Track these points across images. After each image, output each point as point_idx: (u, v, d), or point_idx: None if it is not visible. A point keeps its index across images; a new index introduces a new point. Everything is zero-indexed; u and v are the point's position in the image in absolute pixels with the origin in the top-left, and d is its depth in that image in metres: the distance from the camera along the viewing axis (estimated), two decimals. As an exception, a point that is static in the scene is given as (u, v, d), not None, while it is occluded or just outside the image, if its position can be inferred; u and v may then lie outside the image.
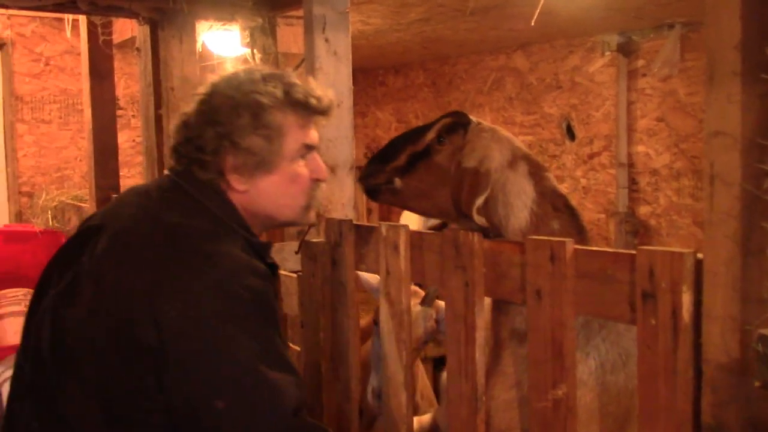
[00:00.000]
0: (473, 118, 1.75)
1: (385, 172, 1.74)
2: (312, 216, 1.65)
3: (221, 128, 1.50)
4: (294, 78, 1.58)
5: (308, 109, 1.56)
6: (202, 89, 1.57)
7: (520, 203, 1.63)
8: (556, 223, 1.64)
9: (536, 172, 1.66)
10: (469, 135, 1.72)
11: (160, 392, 1.34)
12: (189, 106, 1.57)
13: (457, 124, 1.73)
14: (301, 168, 1.57)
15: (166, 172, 1.61)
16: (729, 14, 1.09)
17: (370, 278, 1.95)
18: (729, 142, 1.07)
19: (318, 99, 1.57)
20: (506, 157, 1.67)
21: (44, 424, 1.46)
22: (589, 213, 5.00)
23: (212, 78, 1.59)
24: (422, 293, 2.02)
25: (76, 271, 1.46)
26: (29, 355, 1.51)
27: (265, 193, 1.55)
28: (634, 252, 1.24)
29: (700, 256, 1.16)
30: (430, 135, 1.73)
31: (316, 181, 1.60)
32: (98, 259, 1.44)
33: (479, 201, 1.60)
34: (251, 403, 1.36)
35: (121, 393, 1.38)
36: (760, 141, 1.02)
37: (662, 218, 4.59)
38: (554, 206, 1.66)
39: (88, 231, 1.53)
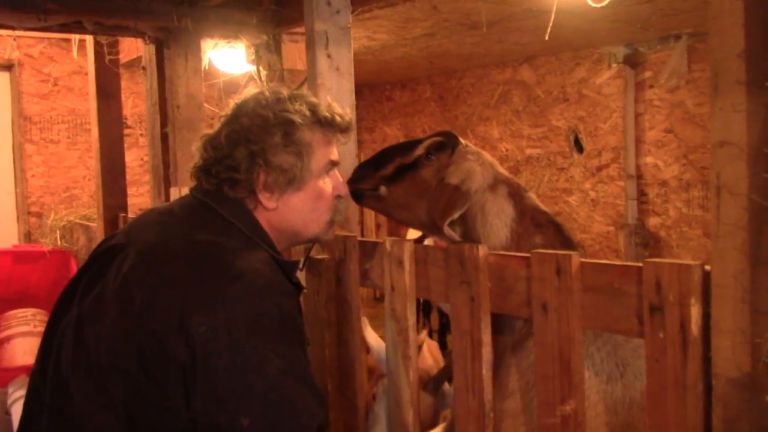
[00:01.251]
0: (462, 140, 1.81)
1: (374, 178, 1.79)
2: (333, 232, 1.68)
3: (254, 146, 1.52)
4: (314, 98, 1.62)
5: (333, 127, 1.60)
6: (228, 111, 1.59)
7: (499, 222, 1.69)
8: (538, 238, 1.67)
9: (516, 193, 1.72)
10: (455, 155, 1.77)
11: (188, 410, 1.34)
12: (213, 128, 1.59)
13: (446, 143, 1.79)
14: (327, 184, 1.61)
15: (186, 191, 1.62)
16: (732, 23, 1.07)
17: (372, 342, 1.95)
18: (735, 152, 1.06)
19: (341, 116, 1.61)
20: (488, 180, 1.73)
21: None
22: (599, 225, 4.98)
23: (236, 99, 1.60)
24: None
25: (101, 290, 1.46)
26: (49, 375, 1.50)
27: (294, 209, 1.57)
28: (640, 264, 1.22)
29: (708, 268, 1.14)
30: (420, 150, 1.78)
31: (338, 197, 1.64)
32: (125, 277, 1.44)
33: (454, 215, 1.65)
34: (275, 421, 1.36)
35: (148, 411, 1.37)
36: (767, 150, 1.01)
37: (672, 230, 4.56)
38: (536, 222, 1.69)
39: (111, 250, 1.53)
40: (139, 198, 5.91)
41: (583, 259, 1.32)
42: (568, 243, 1.66)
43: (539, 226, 1.69)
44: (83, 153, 5.99)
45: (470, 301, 1.50)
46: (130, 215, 4.12)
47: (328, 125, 1.59)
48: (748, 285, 1.06)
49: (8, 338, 4.52)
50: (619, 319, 1.26)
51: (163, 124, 3.09)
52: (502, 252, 1.52)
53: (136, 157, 6.08)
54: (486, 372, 1.50)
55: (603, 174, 4.97)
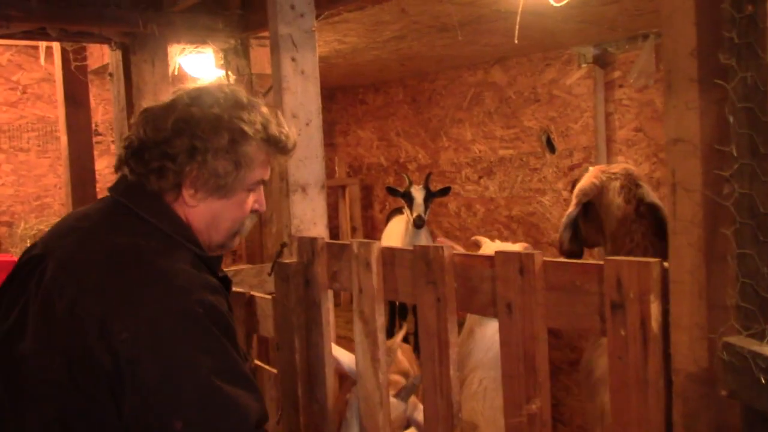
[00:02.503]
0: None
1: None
2: (236, 242, 1.65)
3: (198, 142, 1.46)
4: (268, 111, 1.58)
5: (278, 147, 1.57)
6: (179, 94, 1.52)
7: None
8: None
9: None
10: None
11: (120, 418, 1.31)
12: (155, 104, 1.52)
13: None
14: (249, 198, 1.57)
15: (108, 194, 1.58)
16: (684, 21, 1.08)
17: (343, 357, 1.95)
18: (689, 149, 1.07)
19: (288, 138, 1.58)
20: None
21: None
22: (572, 225, 5.01)
23: (192, 87, 1.55)
24: None
25: (23, 305, 1.42)
26: None
27: (209, 213, 1.54)
28: (601, 263, 1.23)
29: (666, 265, 1.15)
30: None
31: (254, 212, 1.61)
32: (45, 289, 1.40)
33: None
34: (210, 421, 1.33)
35: (83, 424, 1.35)
36: (718, 147, 1.02)
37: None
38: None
39: (30, 261, 1.48)
40: (112, 205, 5.85)
41: (546, 258, 1.33)
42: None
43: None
44: (54, 161, 5.93)
45: (437, 302, 1.51)
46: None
47: (274, 145, 1.56)
48: (704, 281, 1.07)
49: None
50: (582, 317, 1.27)
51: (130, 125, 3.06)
52: (466, 252, 1.52)
53: (108, 165, 6.02)
54: (453, 372, 1.51)
55: (575, 173, 5.00)
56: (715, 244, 1.06)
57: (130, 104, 3.07)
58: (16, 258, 4.96)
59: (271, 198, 2.06)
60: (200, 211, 1.52)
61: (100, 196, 4.64)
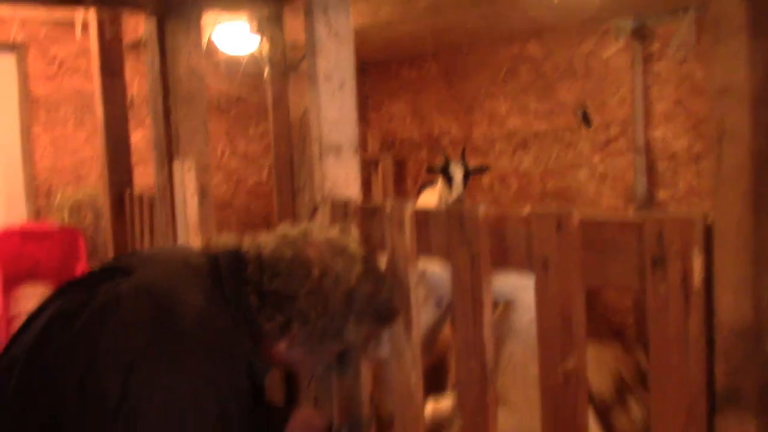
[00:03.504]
0: None
1: None
2: None
3: (314, 314, 1.52)
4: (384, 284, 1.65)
5: (383, 323, 1.68)
6: (314, 257, 1.55)
7: None
8: None
9: None
10: None
11: None
12: (290, 255, 1.55)
13: None
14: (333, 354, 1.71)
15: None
16: (733, -35, 1.04)
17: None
18: (737, 98, 1.03)
19: (390, 316, 1.68)
20: None
21: None
22: (608, 200, 4.94)
23: (322, 250, 1.57)
24: None
25: (87, 301, 1.47)
26: (4, 355, 1.52)
27: (292, 360, 1.63)
28: (642, 220, 1.20)
29: (710, 220, 1.12)
30: None
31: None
32: (111, 301, 1.44)
33: None
34: None
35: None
36: (768, 93, 0.98)
37: (682, 202, 4.52)
38: None
39: (118, 270, 1.54)
40: (147, 178, 5.89)
41: (583, 216, 1.30)
42: None
43: None
44: (90, 134, 5.98)
45: (471, 262, 1.49)
46: (136, 190, 4.13)
47: (378, 324, 1.67)
48: (751, 234, 1.04)
49: (19, 314, 4.56)
50: (621, 275, 1.24)
51: (165, 98, 3.07)
52: (503, 211, 1.50)
53: (143, 137, 6.06)
54: (487, 333, 1.49)
55: (611, 148, 4.93)
56: (762, 195, 1.03)
57: (164, 72, 3.07)
58: (54, 227, 5.04)
59: (305, 162, 2.05)
60: (286, 356, 1.60)
61: (135, 169, 4.69)
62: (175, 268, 1.54)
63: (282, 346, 1.56)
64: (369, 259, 1.61)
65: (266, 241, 1.59)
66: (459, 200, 4.72)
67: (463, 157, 4.90)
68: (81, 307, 1.46)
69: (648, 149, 4.69)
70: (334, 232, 1.62)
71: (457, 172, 4.77)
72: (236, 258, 1.57)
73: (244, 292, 1.52)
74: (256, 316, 1.52)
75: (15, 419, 1.43)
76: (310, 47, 1.99)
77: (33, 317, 1.57)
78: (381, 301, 1.60)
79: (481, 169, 4.99)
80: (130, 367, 1.34)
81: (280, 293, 1.51)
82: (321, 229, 1.63)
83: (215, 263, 1.57)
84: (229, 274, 1.54)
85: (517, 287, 2.00)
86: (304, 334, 1.53)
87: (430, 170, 5.01)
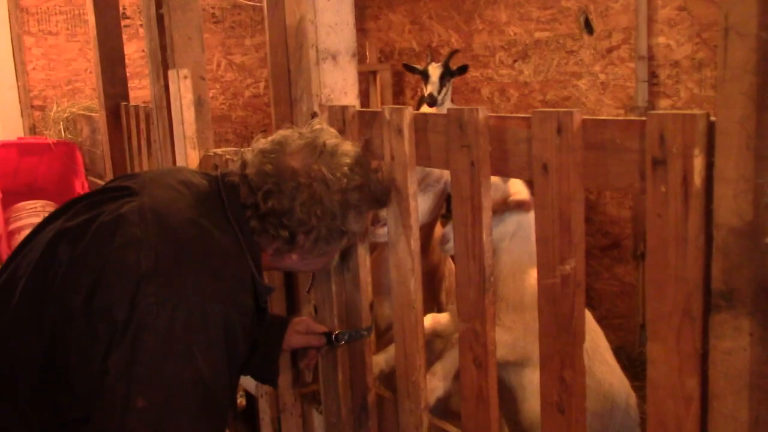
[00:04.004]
0: None
1: None
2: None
3: (315, 220, 1.55)
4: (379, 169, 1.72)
5: (379, 205, 1.72)
6: (316, 166, 1.56)
7: None
8: None
9: None
10: None
11: (102, 362, 1.35)
12: (286, 156, 1.57)
13: None
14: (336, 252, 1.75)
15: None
16: None
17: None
18: (744, -10, 1.00)
19: (384, 196, 1.71)
20: None
21: None
22: (608, 109, 4.89)
23: (313, 156, 1.58)
24: None
25: (93, 217, 1.48)
26: (7, 270, 1.53)
27: (299, 265, 1.71)
28: (644, 119, 1.18)
29: (713, 118, 1.10)
30: None
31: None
32: (118, 218, 1.46)
33: None
34: (166, 418, 1.37)
35: (70, 349, 1.39)
36: (778, -17, 0.95)
37: (683, 111, 4.48)
38: None
39: (123, 189, 1.55)
40: (142, 90, 5.83)
41: (585, 116, 1.28)
42: None
43: None
44: (83, 45, 5.88)
45: (470, 166, 1.48)
46: (132, 104, 4.07)
47: (375, 205, 1.71)
48: (754, 131, 1.02)
49: (19, 229, 4.58)
50: (621, 175, 1.23)
51: (158, 5, 2.99)
52: (503, 114, 1.48)
53: (137, 49, 5.97)
54: (486, 237, 1.50)
55: (613, 56, 4.85)
56: (767, 92, 1.01)
57: (156, -22, 2.99)
58: (51, 140, 5.02)
59: (302, 71, 2.01)
60: (293, 263, 1.69)
61: (130, 82, 4.62)
62: (178, 190, 1.57)
63: (294, 258, 1.63)
64: (350, 149, 1.62)
65: (250, 159, 1.60)
66: (431, 97, 4.70)
67: (447, 58, 4.85)
68: (85, 225, 1.48)
69: (650, 57, 4.61)
70: (308, 134, 1.62)
71: (434, 72, 4.76)
72: (233, 182, 1.60)
73: (244, 215, 1.56)
74: (258, 239, 1.57)
75: (15, 338, 1.45)
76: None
77: (34, 234, 1.58)
78: (374, 186, 1.64)
79: (461, 70, 4.92)
80: (138, 282, 1.37)
81: (277, 211, 1.54)
82: (295, 134, 1.63)
83: (216, 186, 1.60)
84: (230, 197, 1.57)
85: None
86: (311, 241, 1.57)
87: (408, 68, 4.97)
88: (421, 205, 1.89)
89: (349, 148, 1.62)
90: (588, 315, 2.13)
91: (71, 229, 1.48)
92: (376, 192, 1.65)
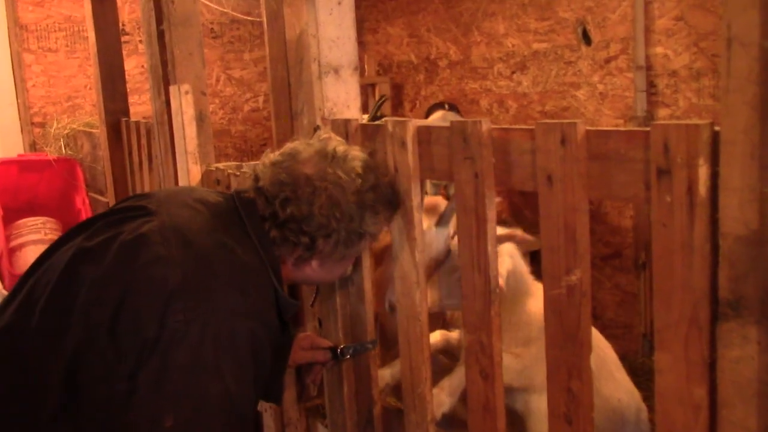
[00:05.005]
0: None
1: None
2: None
3: (335, 223, 1.56)
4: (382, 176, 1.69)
5: (393, 210, 1.71)
6: (329, 169, 1.58)
7: None
8: None
9: None
10: None
11: (127, 381, 1.35)
12: (299, 164, 1.59)
13: None
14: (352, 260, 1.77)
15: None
16: None
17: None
18: (746, 1, 1.01)
19: (398, 200, 1.70)
20: None
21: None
22: (607, 119, 4.90)
23: (340, 160, 1.60)
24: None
25: (112, 237, 1.48)
26: (21, 291, 1.53)
27: (319, 275, 1.71)
28: (648, 129, 1.19)
29: (717, 128, 1.11)
30: None
31: None
32: (139, 237, 1.46)
33: None
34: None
35: (91, 369, 1.39)
36: (780, -6, 0.96)
37: (682, 120, 4.49)
38: None
39: (140, 209, 1.56)
40: (142, 106, 5.83)
41: (588, 127, 1.29)
42: None
43: None
44: (83, 62, 5.89)
45: (474, 178, 1.48)
46: (133, 119, 4.08)
47: (391, 210, 1.71)
48: (758, 140, 1.03)
49: (20, 246, 4.58)
50: (626, 185, 1.24)
51: (159, 21, 3.00)
52: (505, 126, 1.49)
53: (137, 65, 5.98)
54: (491, 248, 1.50)
55: (611, 66, 4.87)
56: (770, 101, 1.01)
57: (156, -6, 3.00)
58: (51, 157, 5.02)
59: (303, 84, 2.02)
60: (314, 274, 1.69)
61: (131, 96, 4.64)
62: (195, 208, 1.58)
63: (315, 266, 1.64)
64: (359, 154, 1.64)
65: (261, 172, 1.62)
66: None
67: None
68: (106, 244, 1.48)
69: (648, 67, 4.63)
70: (317, 143, 1.65)
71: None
72: (248, 197, 1.62)
73: (263, 228, 1.57)
74: (279, 251, 1.58)
75: (36, 358, 1.44)
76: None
77: (49, 253, 1.57)
78: (385, 188, 1.66)
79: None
80: (167, 299, 1.37)
81: (296, 217, 1.55)
82: (304, 144, 1.65)
83: (233, 202, 1.61)
84: (247, 212, 1.59)
85: None
86: (330, 245, 1.59)
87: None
88: (438, 239, 1.91)
89: (358, 153, 1.64)
90: (594, 330, 2.13)
91: (92, 248, 1.48)
92: (388, 194, 1.66)
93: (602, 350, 2.10)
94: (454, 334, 2.16)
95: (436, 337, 2.07)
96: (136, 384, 1.34)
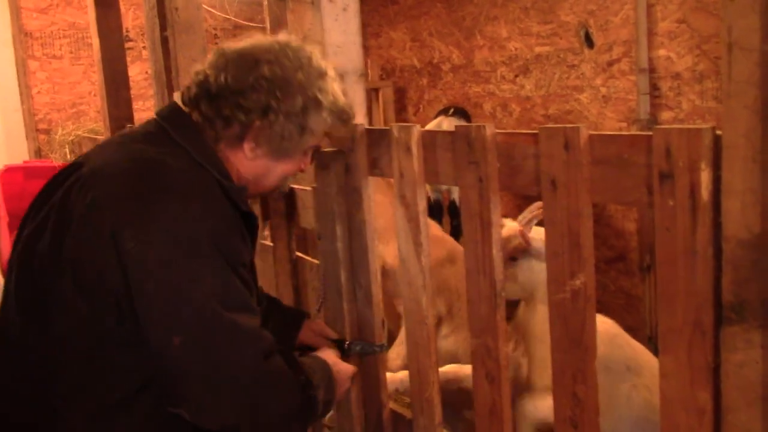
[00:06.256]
0: None
1: None
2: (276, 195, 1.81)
3: (274, 102, 1.50)
4: (337, 79, 1.63)
5: (342, 120, 1.62)
6: (267, 48, 1.54)
7: None
8: None
9: None
10: None
11: (121, 329, 1.38)
12: (234, 48, 1.55)
13: None
14: (299, 162, 1.64)
15: (153, 116, 1.62)
16: None
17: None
18: (748, 3, 1.02)
19: (351, 111, 1.66)
20: None
21: (11, 374, 1.49)
22: (610, 122, 4.91)
23: (276, 43, 1.56)
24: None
25: (50, 207, 1.47)
26: (4, 295, 1.53)
27: (262, 169, 1.59)
28: (650, 134, 1.20)
29: (719, 132, 1.11)
30: None
31: (299, 170, 1.68)
32: (66, 191, 1.44)
33: None
34: (209, 341, 1.39)
35: (83, 332, 1.40)
36: (781, 0, 0.97)
37: (685, 123, 4.50)
38: None
39: (69, 168, 1.53)
40: (147, 113, 5.86)
41: (591, 132, 1.30)
42: None
43: None
44: (87, 68, 5.92)
45: (479, 182, 1.49)
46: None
47: (339, 117, 1.61)
48: (759, 144, 1.04)
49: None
50: (629, 190, 1.25)
51: (163, 27, 3.02)
52: (510, 131, 1.50)
53: (141, 71, 6.01)
54: (496, 252, 1.51)
55: (614, 69, 4.88)
56: (772, 105, 1.02)
57: (160, 1, 3.02)
58: (56, 163, 5.04)
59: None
60: (254, 165, 1.58)
61: (135, 102, 4.65)
62: (122, 143, 1.55)
63: (247, 150, 1.55)
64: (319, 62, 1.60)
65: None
66: None
67: None
68: (45, 219, 1.46)
69: (651, 69, 4.64)
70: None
71: None
72: (173, 106, 1.60)
73: (187, 124, 1.53)
74: (213, 132, 1.52)
75: (39, 351, 1.45)
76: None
77: (14, 250, 1.57)
78: (335, 97, 1.59)
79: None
80: (113, 237, 1.35)
81: (231, 87, 1.50)
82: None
83: (154, 120, 1.58)
84: (169, 120, 1.55)
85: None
86: (266, 128, 1.52)
87: None
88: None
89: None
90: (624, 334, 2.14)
91: (35, 228, 1.47)
92: (338, 102, 1.59)
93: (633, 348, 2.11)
94: (468, 368, 2.15)
95: (450, 369, 2.09)
96: (139, 327, 1.37)
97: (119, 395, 1.43)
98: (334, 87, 1.59)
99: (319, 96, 1.54)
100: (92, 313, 1.38)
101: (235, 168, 1.57)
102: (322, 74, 1.57)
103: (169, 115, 1.57)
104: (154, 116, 1.60)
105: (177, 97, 1.74)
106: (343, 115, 1.62)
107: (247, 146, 1.54)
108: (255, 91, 1.49)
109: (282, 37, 1.60)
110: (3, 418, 1.49)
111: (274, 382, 1.49)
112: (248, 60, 1.52)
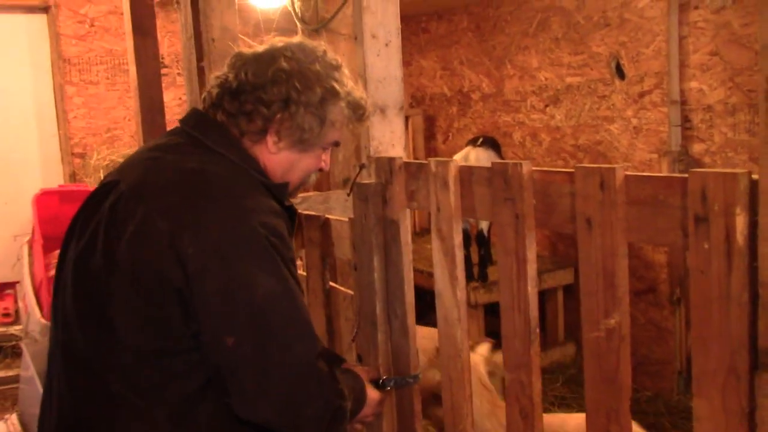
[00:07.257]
0: None
1: None
2: (297, 192, 1.84)
3: (294, 93, 1.56)
4: (352, 79, 1.71)
5: (357, 114, 1.68)
6: (283, 46, 1.62)
7: None
8: None
9: None
10: None
11: (188, 329, 1.42)
12: (251, 51, 1.62)
13: None
14: (320, 157, 1.69)
15: (178, 125, 1.66)
16: None
17: None
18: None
19: (366, 106, 1.71)
20: None
21: (72, 382, 1.52)
22: (641, 153, 4.91)
23: (292, 42, 1.64)
24: None
25: (96, 224, 1.50)
26: (58, 314, 1.57)
27: (287, 162, 1.64)
28: (686, 176, 1.21)
29: (755, 177, 1.13)
30: None
31: (319, 170, 1.73)
32: (113, 210, 1.48)
33: None
34: (262, 342, 1.42)
35: (151, 337, 1.44)
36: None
37: (717, 156, 4.48)
38: None
39: (105, 187, 1.57)
40: (180, 137, 5.95)
41: (627, 173, 1.31)
42: None
43: None
44: (123, 94, 6.05)
45: (515, 219, 1.51)
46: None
47: (354, 110, 1.66)
48: (796, 190, 1.05)
49: (61, 275, 4.66)
50: (664, 231, 1.26)
51: (199, 58, 3.09)
52: (546, 168, 1.52)
53: (174, 97, 6.12)
54: (531, 289, 1.52)
55: (645, 100, 4.88)
56: (809, 153, 1.03)
57: (197, 32, 3.09)
58: (90, 187, 5.13)
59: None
60: (278, 159, 1.63)
61: (168, 127, 4.73)
62: (154, 156, 1.58)
63: (270, 144, 1.60)
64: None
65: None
66: None
67: None
68: (93, 235, 1.49)
69: (683, 101, 4.64)
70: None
71: None
72: (196, 113, 1.66)
73: (216, 124, 1.58)
74: (238, 129, 1.58)
75: (105, 355, 1.47)
76: (357, 4, 1.98)
77: (59, 272, 1.60)
78: (350, 89, 1.65)
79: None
80: (171, 245, 1.40)
81: (251, 82, 1.56)
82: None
83: (181, 129, 1.63)
84: (198, 127, 1.60)
85: None
86: (288, 120, 1.57)
87: None
88: None
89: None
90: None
91: (87, 245, 1.50)
92: (353, 93, 1.66)
93: None
94: (499, 356, 2.16)
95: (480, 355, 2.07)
96: (196, 327, 1.41)
97: (196, 385, 1.47)
98: (349, 81, 1.66)
99: (336, 86, 1.61)
100: (159, 315, 1.42)
101: (263, 165, 1.62)
102: (337, 67, 1.64)
103: (197, 123, 1.62)
104: (180, 125, 1.65)
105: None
106: (358, 109, 1.68)
107: (270, 140, 1.60)
108: (275, 84, 1.55)
109: (296, 38, 1.67)
110: (85, 423, 1.51)
111: (318, 383, 1.51)
112: (266, 57, 1.59)
